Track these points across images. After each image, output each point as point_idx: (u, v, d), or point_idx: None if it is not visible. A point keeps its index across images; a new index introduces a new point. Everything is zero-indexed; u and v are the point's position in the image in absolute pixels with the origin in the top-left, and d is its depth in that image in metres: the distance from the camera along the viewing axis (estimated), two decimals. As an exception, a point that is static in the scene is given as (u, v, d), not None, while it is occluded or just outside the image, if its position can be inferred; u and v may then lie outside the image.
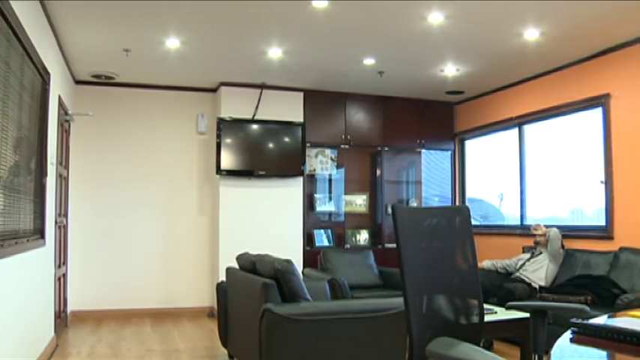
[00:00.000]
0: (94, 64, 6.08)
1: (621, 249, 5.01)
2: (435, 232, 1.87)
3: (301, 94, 7.12)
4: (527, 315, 4.15)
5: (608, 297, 4.57)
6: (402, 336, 3.76)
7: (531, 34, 4.95)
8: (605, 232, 5.40)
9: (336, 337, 3.45)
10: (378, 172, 7.63)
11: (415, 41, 5.24)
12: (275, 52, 5.58)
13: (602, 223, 5.48)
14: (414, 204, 7.72)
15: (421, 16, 4.57)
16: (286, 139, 6.97)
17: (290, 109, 7.04)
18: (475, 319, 2.05)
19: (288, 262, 3.71)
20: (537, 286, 5.33)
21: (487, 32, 4.99)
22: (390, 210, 7.57)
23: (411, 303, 1.66)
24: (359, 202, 7.61)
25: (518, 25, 4.78)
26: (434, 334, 1.69)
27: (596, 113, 5.60)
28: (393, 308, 3.56)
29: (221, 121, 6.71)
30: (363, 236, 7.46)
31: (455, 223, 1.99)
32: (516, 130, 6.72)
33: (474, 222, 8.10)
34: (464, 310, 2.02)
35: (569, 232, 5.76)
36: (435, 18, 4.59)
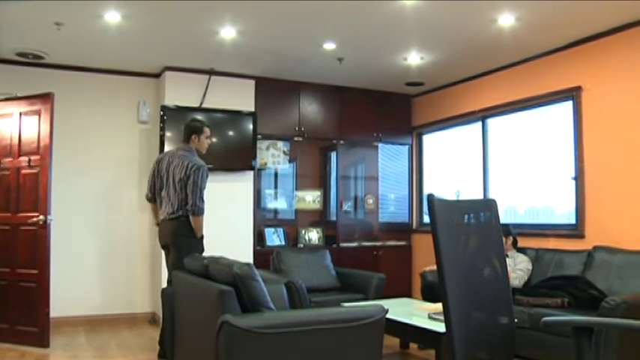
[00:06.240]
0: (20, 39, 5.34)
1: (595, 248, 4.78)
2: (472, 231, 1.46)
3: (253, 82, 6.60)
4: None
5: (585, 298, 4.33)
6: (378, 347, 3.38)
7: (506, 20, 4.64)
8: (575, 231, 5.18)
9: (305, 352, 3.01)
10: (333, 166, 7.22)
11: (382, 24, 4.85)
12: (228, 32, 5.05)
13: (572, 221, 5.27)
14: (370, 200, 7.38)
15: (393, -6, 4.18)
16: (236, 130, 6.45)
17: (240, 97, 6.52)
18: (507, 330, 1.67)
19: (249, 265, 3.23)
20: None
21: (461, 16, 4.64)
22: (345, 207, 7.22)
23: (455, 323, 1.24)
24: (311, 198, 7.17)
25: (494, 9, 4.46)
26: (474, 352, 1.28)
27: (567, 107, 5.38)
28: (369, 317, 3.15)
29: (165, 110, 6.11)
30: (316, 235, 7.03)
31: (487, 219, 1.59)
32: (479, 124, 6.44)
33: (426, 220, 7.82)
34: (497, 321, 1.64)
35: (537, 230, 5.56)
36: (408, -3, 4.21)
